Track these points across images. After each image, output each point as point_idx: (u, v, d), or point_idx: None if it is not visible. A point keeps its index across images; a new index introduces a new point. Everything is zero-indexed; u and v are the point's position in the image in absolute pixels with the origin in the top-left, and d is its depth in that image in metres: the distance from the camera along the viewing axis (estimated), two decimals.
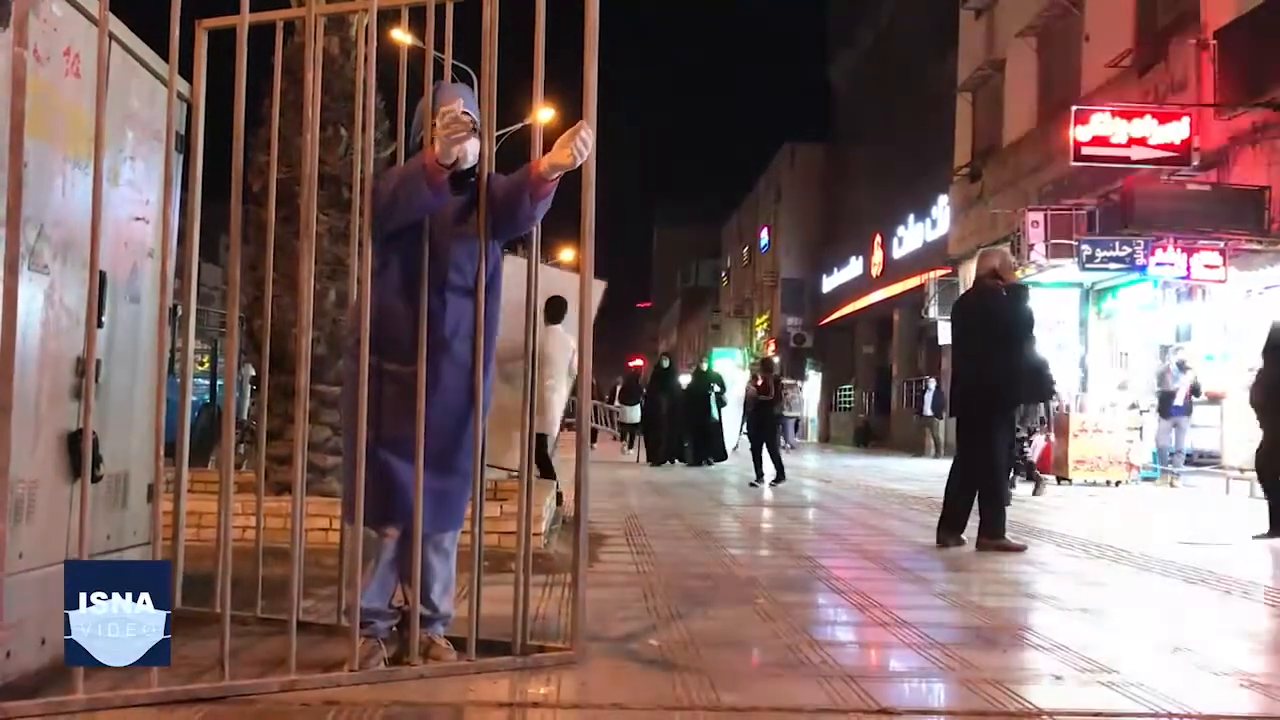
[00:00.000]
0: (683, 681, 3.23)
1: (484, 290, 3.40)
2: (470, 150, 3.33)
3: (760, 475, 12.53)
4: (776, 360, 18.53)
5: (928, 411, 21.56)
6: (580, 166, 3.40)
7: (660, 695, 3.09)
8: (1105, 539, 7.44)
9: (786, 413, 19.12)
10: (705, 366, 17.84)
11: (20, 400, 2.80)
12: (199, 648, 3.33)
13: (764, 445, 12.74)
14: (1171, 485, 13.37)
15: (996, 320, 6.88)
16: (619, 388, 23.37)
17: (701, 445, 16.50)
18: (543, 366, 8.20)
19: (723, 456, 16.66)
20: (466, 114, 3.22)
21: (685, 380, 18.74)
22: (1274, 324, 7.84)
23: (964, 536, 6.74)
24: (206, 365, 14.45)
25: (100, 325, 3.16)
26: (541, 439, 7.87)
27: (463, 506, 3.48)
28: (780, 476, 12.38)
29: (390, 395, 3.32)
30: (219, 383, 13.08)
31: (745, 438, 24.39)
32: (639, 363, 24.05)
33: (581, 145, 3.26)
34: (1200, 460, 13.79)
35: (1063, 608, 4.85)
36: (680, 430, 16.72)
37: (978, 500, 6.77)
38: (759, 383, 13.23)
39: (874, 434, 29.44)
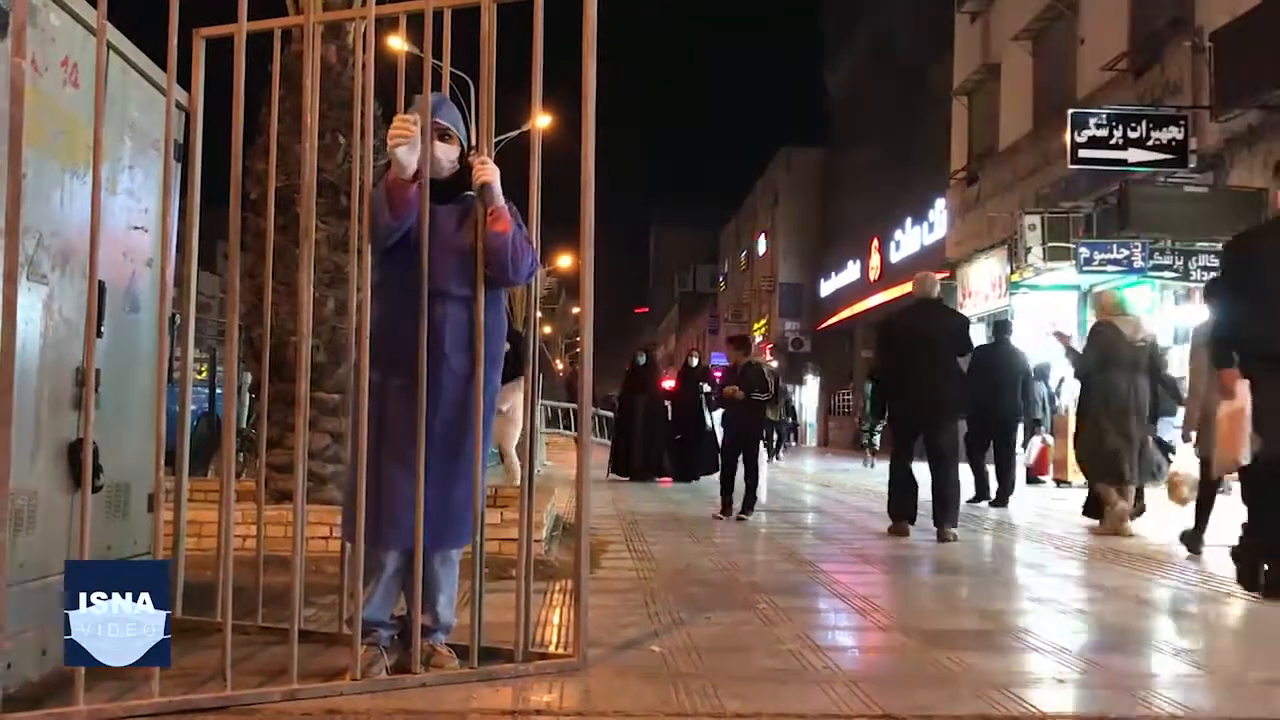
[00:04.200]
0: (686, 688, 3.22)
1: (483, 298, 3.40)
2: (444, 159, 3.38)
3: (729, 504, 9.10)
4: (775, 364, 15.88)
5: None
6: (580, 172, 3.41)
7: (663, 701, 3.08)
8: (1104, 540, 7.43)
9: (772, 416, 15.91)
10: (694, 363, 14.67)
11: (20, 411, 2.79)
12: (200, 657, 3.33)
13: (742, 461, 9.28)
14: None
15: (966, 341, 7.99)
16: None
17: (689, 457, 13.79)
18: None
19: (714, 469, 13.79)
20: (407, 118, 3.25)
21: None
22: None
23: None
24: (205, 374, 14.43)
25: (100, 335, 3.16)
26: None
27: (468, 519, 3.44)
28: (750, 504, 9.09)
29: (390, 411, 3.31)
30: (218, 391, 13.07)
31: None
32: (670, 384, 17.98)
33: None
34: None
35: (1065, 610, 4.84)
36: (659, 439, 14.03)
37: (944, 494, 7.51)
38: (739, 372, 9.14)
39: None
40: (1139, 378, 7.77)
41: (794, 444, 26.50)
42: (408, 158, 3.26)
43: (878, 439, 17.88)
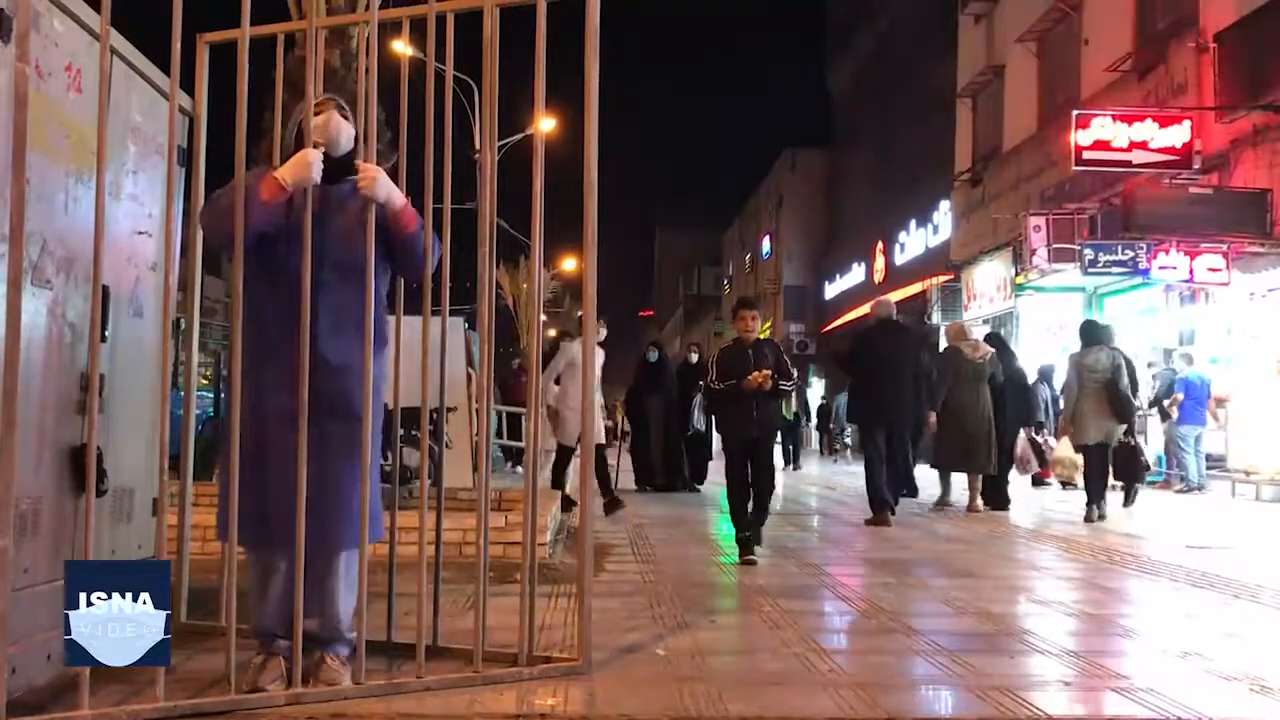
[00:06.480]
0: (690, 691, 3.22)
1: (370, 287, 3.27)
2: (345, 135, 3.37)
3: (749, 540, 6.39)
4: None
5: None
6: (582, 172, 3.41)
7: (668, 705, 3.08)
8: (1110, 543, 7.42)
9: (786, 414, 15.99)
10: (694, 359, 13.27)
11: (24, 415, 2.80)
12: (205, 661, 3.34)
13: (752, 476, 6.50)
14: (1176, 490, 13.30)
15: (922, 353, 9.75)
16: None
17: (694, 461, 12.61)
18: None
19: (703, 478, 12.89)
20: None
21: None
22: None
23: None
24: (210, 378, 14.44)
25: (104, 339, 3.16)
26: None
27: (370, 518, 3.26)
28: (749, 539, 6.40)
29: (269, 408, 3.20)
30: (222, 396, 13.08)
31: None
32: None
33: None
34: (1208, 464, 13.70)
35: (1070, 613, 4.83)
36: (671, 442, 12.61)
37: (894, 484, 9.10)
38: (752, 351, 6.45)
39: None
40: (982, 388, 9.76)
41: (830, 454, 26.12)
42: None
43: (849, 440, 22.98)
